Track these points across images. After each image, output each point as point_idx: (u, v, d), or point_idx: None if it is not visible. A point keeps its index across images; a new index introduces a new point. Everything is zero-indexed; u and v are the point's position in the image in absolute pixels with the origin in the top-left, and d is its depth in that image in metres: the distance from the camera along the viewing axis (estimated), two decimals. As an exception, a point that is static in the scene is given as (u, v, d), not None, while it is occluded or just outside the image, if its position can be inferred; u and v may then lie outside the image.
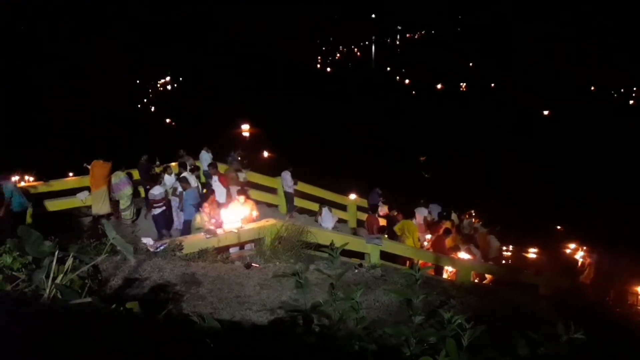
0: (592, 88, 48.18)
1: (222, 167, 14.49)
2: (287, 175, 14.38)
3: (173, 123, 38.90)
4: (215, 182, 12.02)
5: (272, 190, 15.39)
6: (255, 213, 10.36)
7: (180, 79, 60.13)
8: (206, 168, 13.70)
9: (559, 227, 18.31)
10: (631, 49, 54.45)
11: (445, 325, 2.05)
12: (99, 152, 12.61)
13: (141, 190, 13.06)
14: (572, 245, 16.47)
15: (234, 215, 9.56)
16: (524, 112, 40.21)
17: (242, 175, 13.75)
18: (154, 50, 57.43)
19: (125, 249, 3.12)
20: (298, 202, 15.10)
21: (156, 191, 11.18)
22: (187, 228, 10.80)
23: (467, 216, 16.40)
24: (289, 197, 14.47)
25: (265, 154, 24.55)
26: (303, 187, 15.66)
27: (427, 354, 2.02)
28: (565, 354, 2.06)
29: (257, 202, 13.98)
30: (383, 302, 7.09)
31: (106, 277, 6.05)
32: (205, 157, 14.33)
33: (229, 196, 12.05)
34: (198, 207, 10.72)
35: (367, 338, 2.18)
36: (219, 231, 9.14)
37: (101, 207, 11.78)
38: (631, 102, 43.26)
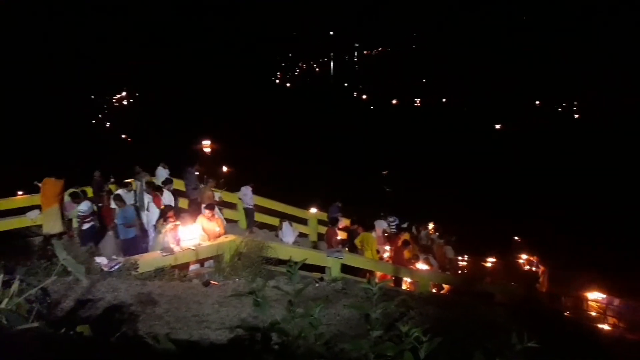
0: (537, 102, 50.42)
1: (178, 183, 14.25)
2: (247, 190, 14.26)
3: (129, 139, 38.01)
4: (150, 203, 11.51)
5: (231, 206, 15.21)
6: (218, 229, 10.17)
7: (137, 94, 58.95)
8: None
9: (516, 238, 18.90)
10: (571, 65, 57.67)
11: (403, 339, 2.06)
12: (50, 169, 12.13)
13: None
14: (525, 255, 17.06)
15: (192, 233, 9.37)
16: (477, 126, 41.56)
17: (218, 195, 13.57)
18: (109, 66, 56.19)
19: (76, 269, 3.00)
20: (258, 217, 14.99)
21: (84, 206, 10.82)
22: (128, 247, 10.43)
23: (424, 227, 16.69)
24: (248, 213, 14.33)
25: (225, 168, 24.28)
26: (263, 201, 15.57)
27: (386, 367, 2.03)
28: (517, 362, 2.10)
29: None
30: (344, 316, 7.08)
31: (56, 300, 5.79)
32: (162, 174, 14.02)
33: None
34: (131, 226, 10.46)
35: (327, 354, 2.16)
36: (176, 249, 8.93)
37: (53, 226, 11.29)
38: (576, 115, 45.42)
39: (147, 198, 11.90)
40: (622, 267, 15.66)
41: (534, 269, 16.72)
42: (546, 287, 15.17)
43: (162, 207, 10.94)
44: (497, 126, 43.91)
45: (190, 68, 64.23)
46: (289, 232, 12.53)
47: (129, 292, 6.96)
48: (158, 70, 61.82)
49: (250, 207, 14.23)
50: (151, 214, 11.12)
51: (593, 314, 14.99)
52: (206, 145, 29.42)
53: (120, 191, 11.47)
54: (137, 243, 10.67)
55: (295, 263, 2.32)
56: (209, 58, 67.97)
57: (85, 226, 10.83)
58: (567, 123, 43.00)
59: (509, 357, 2.13)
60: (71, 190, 12.05)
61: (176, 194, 13.90)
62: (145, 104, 52.14)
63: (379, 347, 1.94)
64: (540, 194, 23.78)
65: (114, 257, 8.38)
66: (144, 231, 11.10)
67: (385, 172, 30.09)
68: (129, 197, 11.37)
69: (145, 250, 10.05)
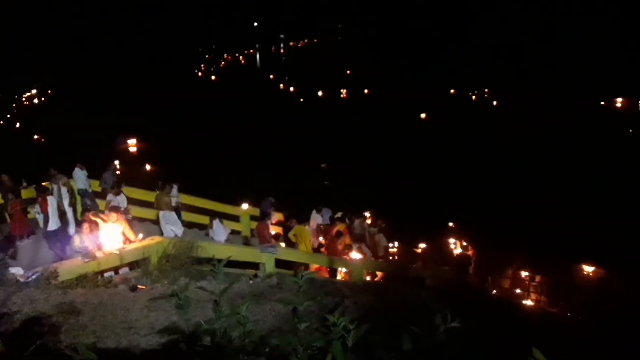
0: (452, 91, 53.06)
1: (94, 184, 13.57)
2: (172, 189, 13.78)
3: (42, 139, 35.53)
4: (35, 208, 10.97)
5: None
6: (128, 231, 9.72)
7: (49, 91, 55.23)
8: (81, 186, 12.69)
9: (450, 224, 19.73)
10: (483, 53, 61.53)
11: (332, 329, 2.06)
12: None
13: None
14: (454, 240, 17.89)
15: (114, 236, 8.94)
16: (403, 117, 42.78)
17: (175, 200, 13.08)
18: (20, 64, 52.31)
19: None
20: (187, 216, 14.55)
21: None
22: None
23: (357, 217, 16.93)
24: (176, 212, 13.85)
25: (148, 167, 23.35)
26: (191, 200, 15.14)
27: (316, 359, 2.02)
28: (443, 343, 2.16)
29: (141, 220, 13.29)
30: (279, 312, 7.07)
31: (-37, 318, 5.34)
32: (79, 175, 13.20)
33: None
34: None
35: (256, 351, 2.12)
36: (98, 254, 8.48)
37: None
38: (494, 102, 47.71)
39: (66, 201, 11.27)
40: (543, 248, 16.76)
41: (463, 252, 17.62)
42: (474, 268, 16.03)
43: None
44: (422, 115, 45.33)
45: (107, 62, 61.09)
46: (220, 230, 12.29)
47: (49, 303, 6.59)
48: (73, 66, 58.32)
49: (177, 205, 13.76)
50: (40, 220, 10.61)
51: (518, 291, 16.06)
52: (132, 144, 28.02)
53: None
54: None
55: (219, 261, 2.24)
56: (128, 51, 64.94)
57: (-4, 236, 10.05)
58: (487, 110, 45.18)
59: (434, 338, 2.18)
60: None
61: (94, 196, 13.25)
62: (60, 102, 48.95)
63: (307, 339, 1.92)
64: (470, 181, 24.69)
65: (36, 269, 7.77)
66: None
67: (324, 165, 30.27)
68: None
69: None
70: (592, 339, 10.02)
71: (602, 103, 44.12)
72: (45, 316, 6.15)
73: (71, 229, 11.11)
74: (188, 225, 14.36)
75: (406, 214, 19.62)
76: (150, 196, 14.75)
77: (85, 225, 9.24)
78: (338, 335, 2.01)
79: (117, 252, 8.64)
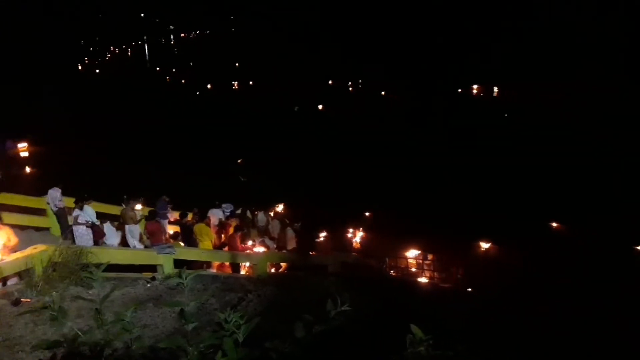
0: (330, 82, 55.37)
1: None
2: (55, 192, 12.66)
3: None
4: None
5: (39, 212, 13.41)
6: (12, 240, 8.86)
7: None
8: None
9: (372, 215, 20.27)
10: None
11: (223, 325, 2.03)
12: None
13: None
14: (352, 228, 18.59)
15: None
16: (304, 107, 43.35)
17: (139, 214, 12.37)
18: None
19: None
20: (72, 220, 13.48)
21: None
22: None
23: (259, 211, 16.85)
24: (60, 216, 12.77)
25: (27, 170, 21.28)
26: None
27: (208, 358, 1.98)
28: (334, 327, 2.23)
29: (23, 228, 12.11)
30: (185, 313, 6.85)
31: None
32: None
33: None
34: None
35: (144, 358, 2.04)
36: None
37: None
38: (383, 92, 49.96)
39: None
40: (435, 229, 17.87)
41: (357, 239, 18.41)
42: (369, 251, 16.81)
43: None
44: (320, 107, 46.17)
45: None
46: (112, 234, 11.57)
47: None
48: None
49: (61, 210, 12.70)
50: None
51: (413, 269, 17.06)
52: (22, 148, 24.95)
53: None
54: None
55: (97, 267, 2.11)
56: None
57: None
58: (373, 100, 47.17)
59: (326, 323, 2.24)
60: None
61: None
62: None
63: (196, 339, 1.88)
64: (374, 172, 25.46)
65: None
66: None
67: (240, 160, 29.64)
68: None
69: None
70: (477, 307, 10.98)
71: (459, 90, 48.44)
72: None
73: None
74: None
75: (316, 205, 19.89)
76: (30, 201, 13.49)
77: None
78: (230, 331, 1.99)
79: (-7, 266, 7.79)
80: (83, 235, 11.12)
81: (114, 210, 14.13)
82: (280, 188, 21.51)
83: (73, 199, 11.93)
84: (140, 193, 15.62)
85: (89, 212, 11.47)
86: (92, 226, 11.31)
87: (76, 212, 11.33)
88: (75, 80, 55.59)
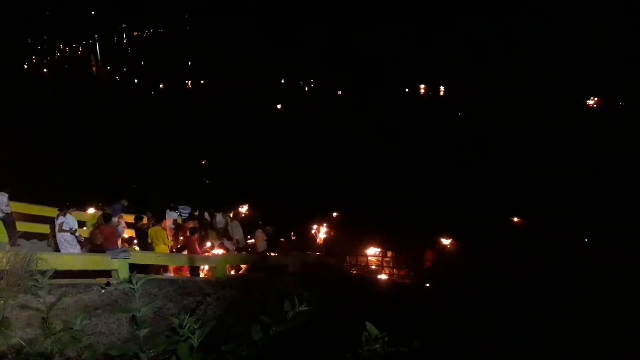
0: (282, 81, 56.00)
1: None
2: (2, 197, 12.07)
3: None
4: None
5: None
6: None
7: None
8: None
9: (335, 214, 20.32)
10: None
11: (178, 330, 2.00)
12: None
13: None
14: (316, 226, 18.63)
15: None
16: (262, 107, 43.14)
17: (122, 230, 12.26)
18: None
19: None
20: (23, 226, 12.87)
21: None
22: None
23: (218, 212, 16.62)
24: (7, 223, 12.13)
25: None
26: (26, 207, 13.41)
27: (163, 363, 1.95)
28: (292, 327, 2.24)
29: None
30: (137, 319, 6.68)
31: None
32: None
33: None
34: None
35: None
36: None
37: None
38: (339, 92, 50.51)
39: None
40: (395, 228, 18.16)
41: (322, 235, 18.46)
42: (332, 250, 16.91)
43: None
44: (279, 106, 46.12)
45: None
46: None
47: None
48: None
49: (8, 215, 12.09)
50: None
51: (373, 267, 17.28)
52: None
53: None
54: None
55: (43, 274, 2.04)
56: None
57: None
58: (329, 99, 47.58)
59: (283, 324, 2.25)
60: None
61: None
62: None
63: (149, 345, 1.85)
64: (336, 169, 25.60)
65: None
66: None
67: (204, 161, 29.03)
68: None
69: None
70: (432, 299, 11.24)
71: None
72: None
73: None
74: (25, 236, 12.73)
75: (279, 205, 19.80)
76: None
77: None
78: (185, 336, 1.97)
79: None
80: (69, 242, 10.96)
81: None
82: (245, 188, 21.33)
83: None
84: (97, 196, 15.17)
85: (70, 219, 11.24)
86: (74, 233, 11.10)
87: (60, 219, 11.10)
88: (18, 79, 53.31)
